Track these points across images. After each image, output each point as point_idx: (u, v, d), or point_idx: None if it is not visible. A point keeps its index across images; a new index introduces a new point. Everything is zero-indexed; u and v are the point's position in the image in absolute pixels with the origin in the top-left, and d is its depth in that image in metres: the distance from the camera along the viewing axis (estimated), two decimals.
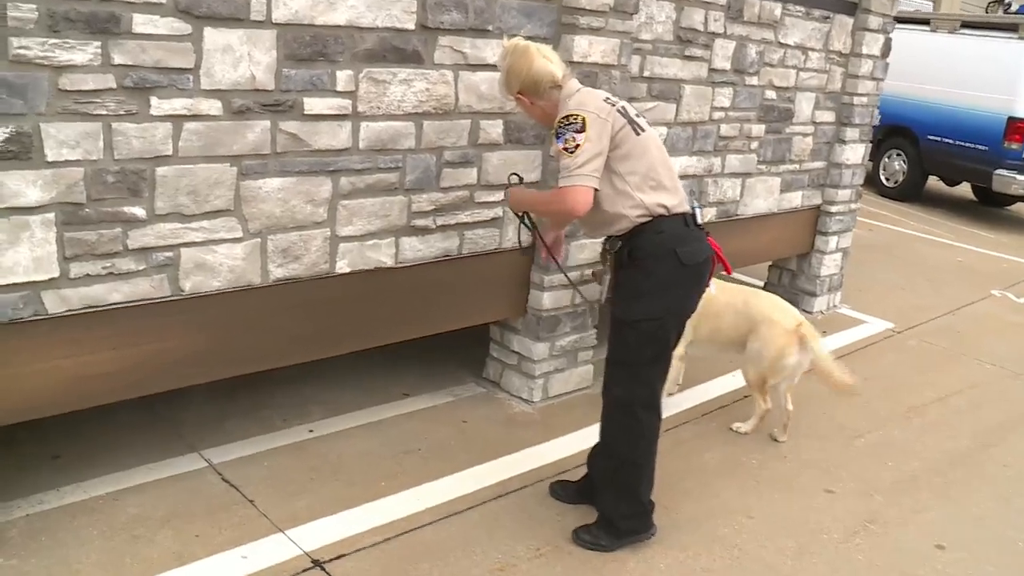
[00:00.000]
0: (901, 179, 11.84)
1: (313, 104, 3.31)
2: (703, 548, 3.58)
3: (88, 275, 2.97)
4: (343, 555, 3.23)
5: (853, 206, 6.65)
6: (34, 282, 2.86)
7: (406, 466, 3.84)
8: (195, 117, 3.03)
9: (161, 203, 3.05)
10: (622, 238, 3.26)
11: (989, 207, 12.67)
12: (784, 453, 4.47)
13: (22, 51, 2.63)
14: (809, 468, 4.35)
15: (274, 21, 3.12)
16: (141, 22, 2.82)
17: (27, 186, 2.75)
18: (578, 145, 3.01)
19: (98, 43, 2.77)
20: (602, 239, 3.42)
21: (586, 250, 4.47)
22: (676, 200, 3.25)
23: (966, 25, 11.27)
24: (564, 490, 3.77)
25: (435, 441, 4.11)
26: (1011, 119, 10.58)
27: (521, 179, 3.70)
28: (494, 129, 3.95)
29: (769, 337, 4.38)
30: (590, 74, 4.09)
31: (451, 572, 3.23)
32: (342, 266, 3.62)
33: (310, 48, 3.23)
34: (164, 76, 2.92)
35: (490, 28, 3.77)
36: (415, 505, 3.59)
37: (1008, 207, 12.70)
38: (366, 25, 3.36)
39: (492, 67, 3.80)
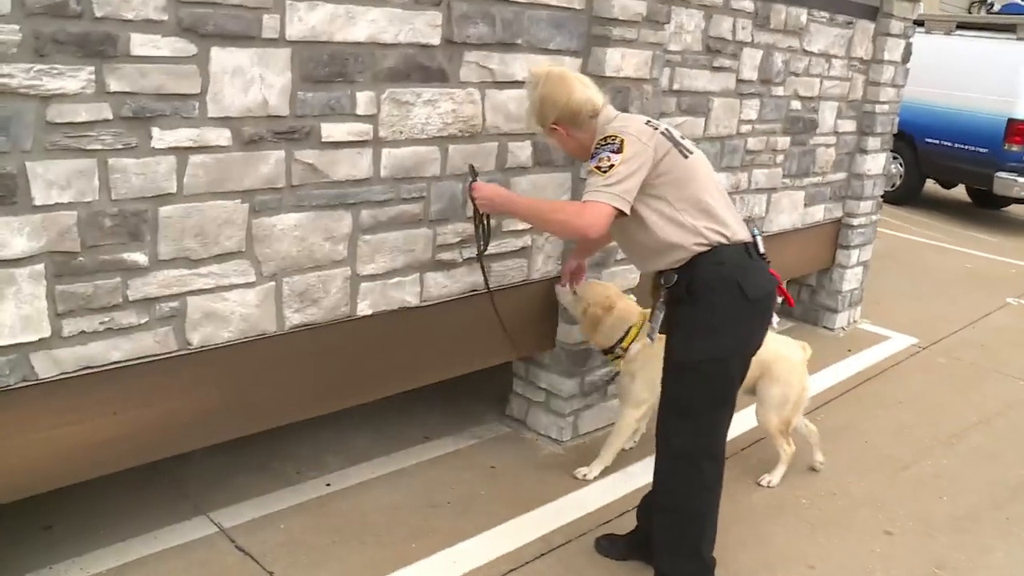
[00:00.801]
0: (899, 182, 11.62)
1: (331, 130, 2.96)
2: None
3: (84, 332, 2.59)
4: None
5: (874, 218, 6.38)
6: (22, 344, 2.49)
7: (436, 523, 3.49)
8: (202, 149, 2.67)
9: (165, 247, 2.68)
10: (678, 271, 2.93)
11: (984, 209, 12.49)
12: (832, 489, 4.16)
13: (4, 80, 2.27)
14: (862, 506, 4.04)
15: (288, 38, 2.76)
16: (140, 43, 2.46)
17: (12, 235, 2.38)
18: (612, 165, 2.75)
19: (91, 68, 2.41)
20: (653, 272, 3.09)
21: (617, 279, 4.14)
22: (735, 227, 2.94)
23: (962, 26, 11.08)
24: (612, 545, 3.43)
25: (464, 491, 3.76)
26: (1011, 121, 10.39)
27: (476, 173, 3.30)
28: (523, 152, 3.62)
29: (788, 376, 3.99)
30: (622, 89, 3.77)
31: None
32: (364, 308, 3.27)
33: (328, 68, 2.88)
34: (167, 104, 2.56)
35: (519, 42, 3.44)
36: (452, 570, 3.24)
37: (1003, 208, 12.53)
38: (388, 41, 3.02)
39: (520, 84, 3.48)
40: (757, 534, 3.70)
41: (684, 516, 3.07)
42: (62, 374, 2.59)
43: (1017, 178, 10.43)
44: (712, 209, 2.91)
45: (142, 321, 2.70)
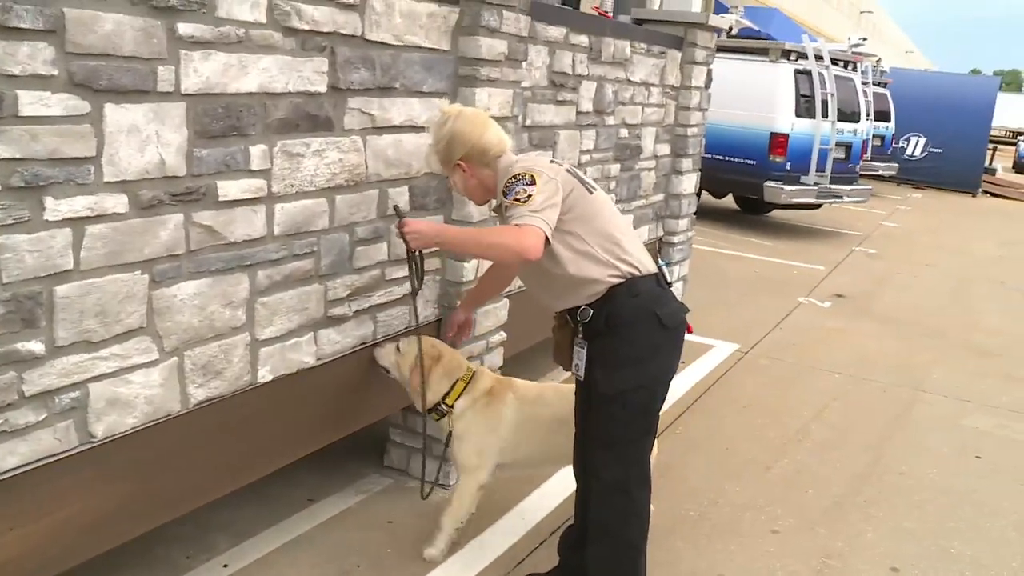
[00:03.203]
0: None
1: (227, 188, 2.75)
2: None
3: None
4: None
5: (690, 234, 6.74)
6: None
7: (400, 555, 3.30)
8: (99, 218, 2.40)
9: (63, 331, 2.38)
10: (593, 305, 2.95)
11: (751, 215, 13.53)
12: (714, 498, 4.34)
13: None
14: (745, 510, 4.25)
15: (183, 92, 2.54)
16: (29, 101, 2.18)
17: None
18: (530, 196, 2.77)
19: None
20: (564, 309, 3.09)
21: (490, 316, 4.13)
22: (644, 259, 3.02)
23: (721, 49, 11.93)
24: None
25: (370, 553, 3.59)
26: (773, 134, 11.34)
27: (402, 212, 3.25)
28: (400, 197, 3.53)
29: None
30: None
31: None
32: (264, 374, 3.06)
33: (223, 122, 2.68)
34: (60, 169, 2.28)
35: (396, 85, 3.36)
36: None
37: (767, 214, 13.62)
38: (279, 90, 2.85)
39: (397, 129, 3.40)
40: (665, 551, 3.76)
41: (619, 546, 3.08)
42: None
43: (784, 186, 11.38)
44: (621, 242, 2.96)
45: (40, 418, 2.38)
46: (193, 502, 2.94)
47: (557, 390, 3.67)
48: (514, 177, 2.84)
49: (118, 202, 2.44)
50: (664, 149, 6.11)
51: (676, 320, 3.00)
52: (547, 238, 2.78)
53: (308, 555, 3.54)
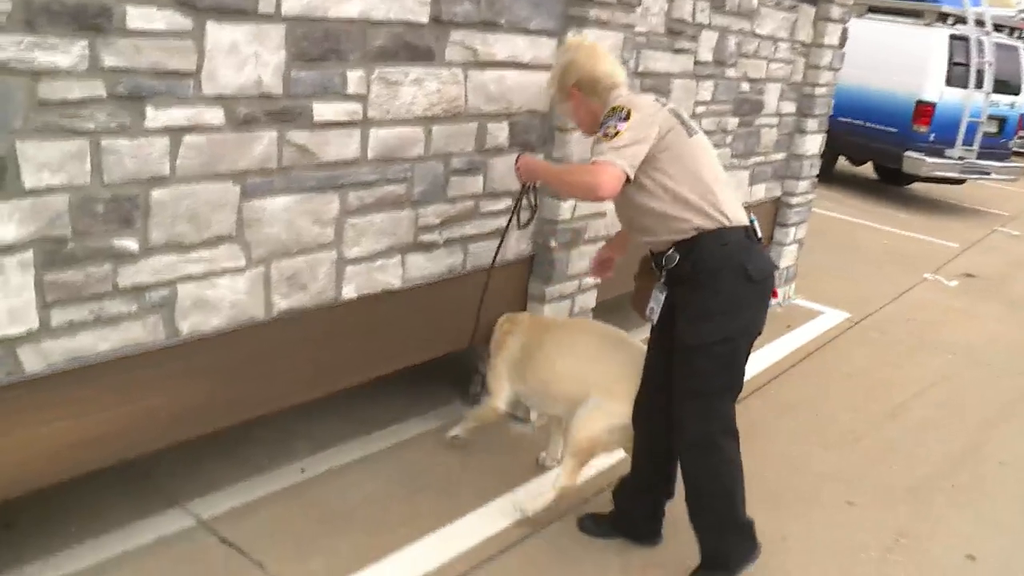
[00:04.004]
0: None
1: (323, 111, 2.86)
2: None
3: (72, 323, 2.46)
4: None
5: (810, 196, 6.56)
6: (9, 338, 2.34)
7: (420, 506, 3.44)
8: (196, 129, 2.55)
9: (157, 233, 2.56)
10: (680, 251, 2.93)
11: (890, 186, 12.96)
12: (797, 465, 4.28)
13: None
14: (825, 479, 4.17)
15: (284, 15, 2.65)
16: (136, 16, 2.33)
17: (2, 221, 2.23)
18: (618, 132, 2.78)
19: (85, 42, 2.26)
20: (651, 254, 3.09)
21: (585, 257, 4.15)
22: (736, 209, 2.97)
23: (873, 10, 11.42)
24: (597, 525, 3.45)
25: (441, 474, 3.72)
26: (919, 102, 10.79)
27: (521, 149, 3.35)
28: (501, 132, 3.58)
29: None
30: None
31: None
32: (348, 292, 3.19)
33: (321, 46, 2.78)
34: (161, 81, 2.43)
35: (501, 21, 3.39)
36: (443, 552, 3.21)
37: (907, 186, 13.03)
38: (379, 18, 2.93)
39: (500, 65, 3.44)
40: None
41: (715, 496, 3.09)
42: (49, 368, 2.45)
43: (925, 158, 10.84)
44: (714, 190, 2.92)
45: (132, 310, 2.58)
46: (272, 405, 3.12)
47: (564, 321, 3.82)
48: (612, 109, 2.86)
49: (214, 116, 2.57)
50: (789, 107, 5.93)
51: (764, 274, 2.95)
52: (628, 176, 2.78)
53: (382, 470, 3.69)
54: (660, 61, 4.39)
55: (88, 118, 2.32)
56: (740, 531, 3.15)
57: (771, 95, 5.64)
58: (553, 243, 3.89)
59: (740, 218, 2.95)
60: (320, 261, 3.04)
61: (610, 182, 2.75)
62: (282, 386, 3.12)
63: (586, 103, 3.06)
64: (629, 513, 3.38)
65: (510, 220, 3.52)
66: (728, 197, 2.96)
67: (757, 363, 5.43)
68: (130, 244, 2.51)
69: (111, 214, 2.43)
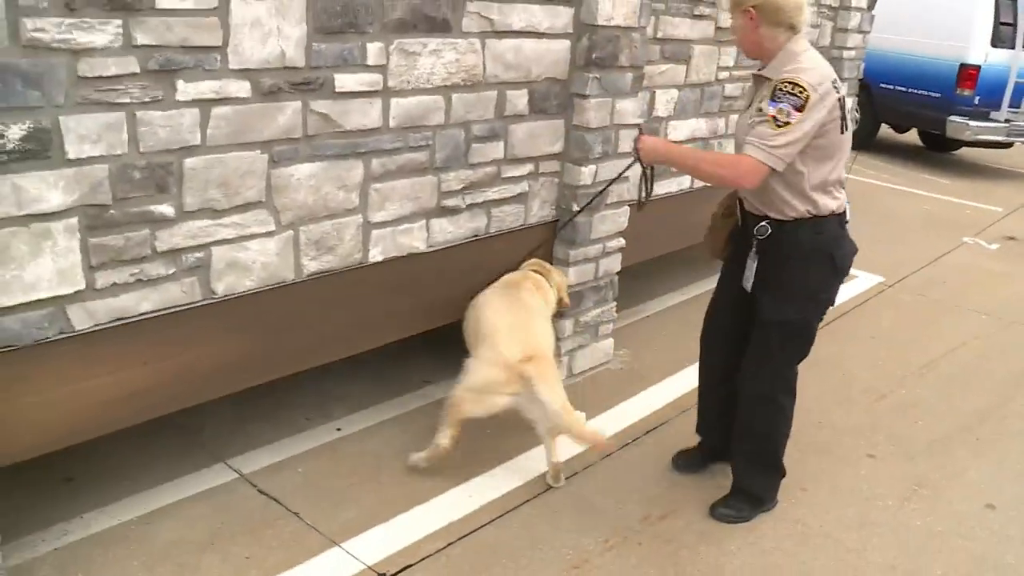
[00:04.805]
0: (854, 127, 11.87)
1: (344, 81, 3.02)
2: (768, 527, 3.47)
3: (115, 284, 2.66)
4: (409, 566, 3.02)
5: None
6: (59, 297, 2.55)
7: (448, 461, 3.60)
8: (224, 101, 2.73)
9: (190, 199, 2.75)
10: (774, 226, 3.05)
11: (936, 152, 12.81)
12: (817, 419, 4.37)
13: (37, 34, 2.30)
14: (845, 434, 4.26)
15: None
16: None
17: (48, 189, 2.43)
18: (788, 123, 2.77)
19: (119, 21, 2.45)
20: (742, 207, 3.23)
21: (608, 222, 4.27)
22: (841, 200, 3.08)
23: None
24: (688, 461, 3.77)
25: (470, 431, 3.87)
26: (963, 66, 10.65)
27: (641, 128, 3.38)
28: (520, 100, 3.71)
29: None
30: (612, 38, 3.86)
31: (528, 573, 3.03)
32: (375, 254, 3.36)
33: (340, 19, 2.94)
34: (190, 56, 2.61)
35: None
36: (469, 504, 3.39)
37: (954, 152, 12.86)
38: None
39: (517, 34, 3.57)
40: None
41: (768, 440, 3.42)
42: (96, 326, 2.66)
43: (969, 122, 10.71)
44: (836, 185, 3.03)
45: (170, 272, 2.77)
46: (305, 363, 3.31)
47: (534, 279, 3.79)
48: (791, 85, 2.77)
49: (241, 88, 2.75)
50: None
51: (847, 263, 3.13)
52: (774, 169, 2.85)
53: (414, 428, 3.87)
54: (680, 27, 4.48)
55: (123, 92, 2.50)
56: (778, 473, 3.50)
57: None
58: (575, 207, 4.02)
59: (841, 208, 3.06)
60: (346, 225, 3.21)
61: (753, 180, 2.85)
62: (314, 344, 3.30)
63: (759, 28, 2.91)
64: (714, 445, 3.69)
65: (639, 200, 3.50)
66: (842, 190, 3.06)
67: None
68: (166, 210, 2.70)
69: (147, 181, 2.63)
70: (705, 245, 3.48)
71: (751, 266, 3.15)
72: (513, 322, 3.47)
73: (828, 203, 3.00)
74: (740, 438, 3.45)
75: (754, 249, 3.13)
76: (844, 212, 3.08)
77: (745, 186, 2.92)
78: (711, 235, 3.42)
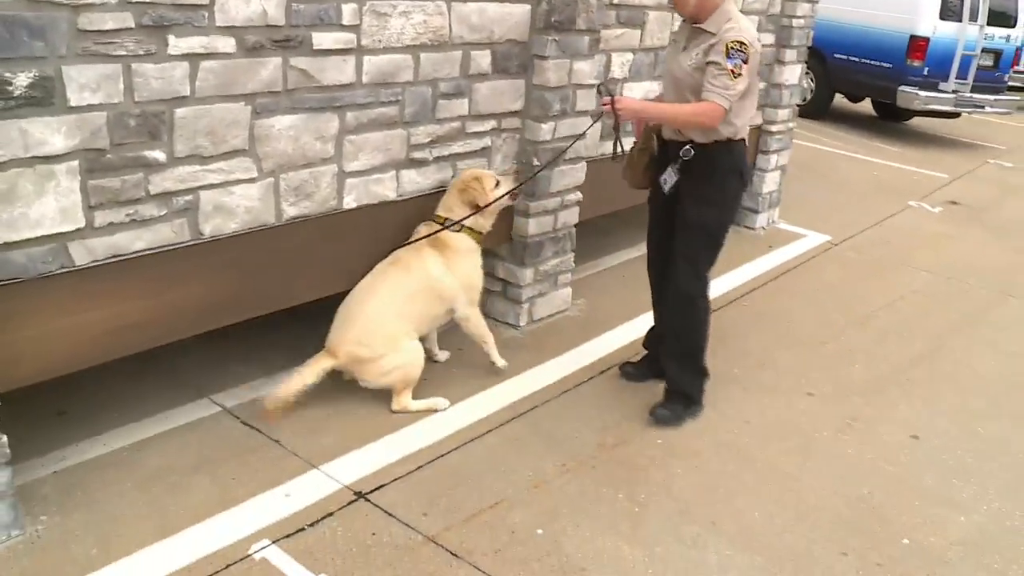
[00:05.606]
0: (810, 97, 12.23)
1: (321, 39, 3.27)
2: (712, 453, 3.79)
3: (112, 223, 2.90)
4: (382, 485, 3.30)
5: (791, 125, 6.89)
6: (61, 234, 2.78)
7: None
8: (211, 55, 2.96)
9: (180, 146, 2.98)
10: (697, 148, 3.62)
11: (888, 122, 13.21)
12: (763, 362, 4.70)
13: None
14: (788, 375, 4.59)
15: None
16: None
17: (51, 133, 2.66)
18: (740, 75, 3.41)
19: None
20: (660, 138, 3.77)
21: (567, 176, 4.55)
22: (747, 128, 3.68)
23: None
24: (636, 369, 4.32)
25: (437, 369, 4.17)
26: (913, 37, 11.01)
27: (610, 91, 3.69)
28: (483, 60, 3.97)
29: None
30: (570, 3, 4.12)
31: (489, 492, 3.33)
32: (349, 201, 3.62)
33: None
34: (181, 13, 2.84)
35: None
36: (437, 433, 3.67)
37: (906, 122, 13.27)
38: None
39: None
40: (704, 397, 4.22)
41: (692, 339, 3.95)
42: (94, 262, 2.90)
43: (918, 92, 11.09)
44: (750, 113, 3.68)
45: (161, 213, 3.01)
46: (284, 302, 3.58)
47: (414, 254, 3.89)
48: (740, 43, 3.40)
49: (227, 43, 2.98)
50: (767, 39, 6.25)
51: (749, 175, 3.96)
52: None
53: None
54: None
55: (120, 45, 2.73)
56: (703, 374, 4.04)
57: None
58: (536, 161, 4.29)
59: (746, 132, 3.71)
60: (323, 173, 3.46)
61: (720, 119, 3.46)
62: (295, 284, 3.56)
63: None
64: (656, 355, 4.18)
65: (615, 152, 3.87)
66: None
67: (736, 278, 5.86)
68: (158, 155, 2.93)
69: (141, 128, 2.86)
70: (625, 177, 3.95)
71: (671, 173, 3.72)
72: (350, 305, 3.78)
73: (741, 128, 3.63)
74: (669, 341, 4.00)
75: (677, 166, 3.68)
76: (745, 139, 3.71)
77: (715, 126, 3.50)
78: (630, 169, 3.91)
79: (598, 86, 3.91)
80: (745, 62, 3.40)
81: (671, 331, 4.00)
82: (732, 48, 3.39)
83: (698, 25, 3.54)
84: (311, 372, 3.56)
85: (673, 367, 4.00)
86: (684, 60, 3.57)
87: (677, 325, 3.95)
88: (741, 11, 5.74)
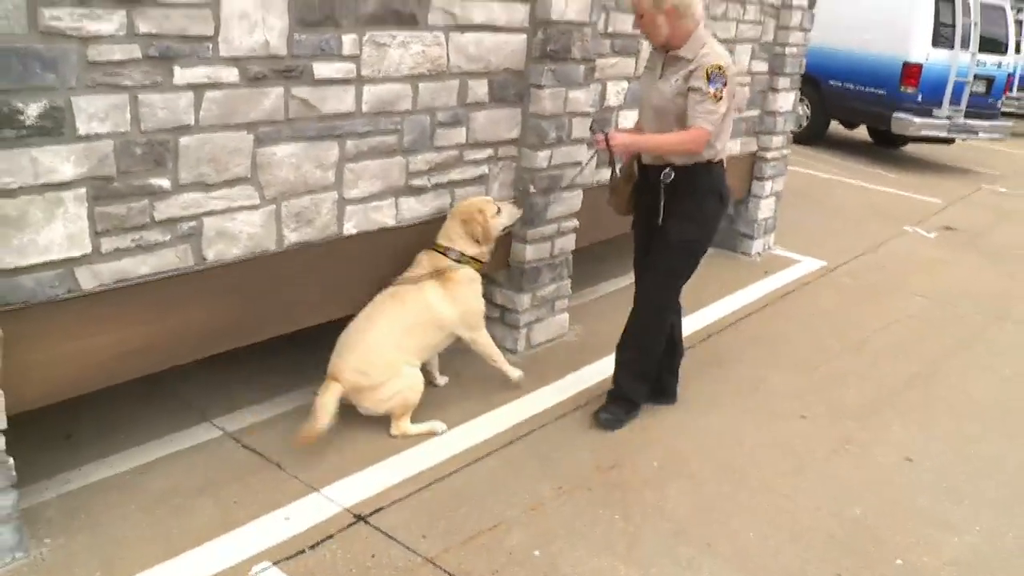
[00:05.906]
0: (805, 123, 12.36)
1: (322, 69, 3.35)
2: (708, 474, 3.83)
3: (118, 249, 2.96)
4: (382, 508, 3.35)
5: (785, 151, 6.98)
6: (68, 259, 2.85)
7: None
8: (215, 85, 3.04)
9: (184, 173, 3.06)
10: (677, 171, 3.73)
11: (884, 148, 13.34)
12: (757, 385, 4.75)
13: (53, 22, 2.60)
14: (783, 398, 4.64)
15: None
16: None
17: (61, 162, 2.73)
18: (721, 98, 3.55)
19: (123, 12, 2.75)
20: (640, 164, 3.89)
21: (564, 203, 4.63)
22: (725, 151, 3.81)
23: None
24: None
25: (437, 394, 4.22)
26: (906, 64, 11.16)
27: (603, 129, 3.83)
28: (480, 89, 4.05)
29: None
30: (565, 31, 4.21)
31: (487, 514, 3.38)
32: (349, 228, 3.68)
33: (319, 12, 3.26)
34: (186, 45, 2.92)
35: None
36: (436, 456, 3.72)
37: (901, 147, 13.40)
38: None
39: (478, 28, 3.91)
40: (695, 415, 4.28)
41: (648, 353, 4.08)
42: (100, 287, 2.96)
43: (913, 118, 11.22)
44: (726, 137, 3.82)
45: (166, 239, 3.08)
46: (285, 327, 3.63)
47: (413, 287, 3.93)
48: (718, 68, 3.53)
49: (230, 74, 3.06)
50: (761, 66, 6.36)
51: (728, 197, 3.96)
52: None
53: None
54: (629, 23, 4.78)
55: (127, 76, 2.81)
56: (650, 383, 4.19)
57: (742, 55, 6.07)
58: (532, 188, 4.36)
59: (724, 154, 3.85)
60: (323, 200, 3.54)
61: (705, 143, 3.61)
62: (295, 310, 3.62)
63: (673, 23, 3.59)
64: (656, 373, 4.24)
65: (612, 184, 4.04)
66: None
67: (731, 303, 5.93)
68: (163, 183, 3.01)
69: (147, 156, 2.93)
70: (610, 203, 4.08)
71: (660, 203, 3.79)
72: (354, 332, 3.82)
73: (720, 151, 3.78)
74: (627, 348, 4.11)
75: (662, 191, 3.77)
76: (724, 160, 3.86)
77: (700, 151, 3.63)
78: (615, 197, 4.04)
79: (591, 124, 4.09)
80: (724, 85, 3.53)
81: (632, 338, 4.09)
82: (712, 72, 3.52)
83: (673, 52, 3.65)
84: (331, 401, 3.60)
85: (625, 374, 4.12)
86: (664, 87, 3.68)
87: (639, 333, 4.06)
88: (734, 40, 5.90)
